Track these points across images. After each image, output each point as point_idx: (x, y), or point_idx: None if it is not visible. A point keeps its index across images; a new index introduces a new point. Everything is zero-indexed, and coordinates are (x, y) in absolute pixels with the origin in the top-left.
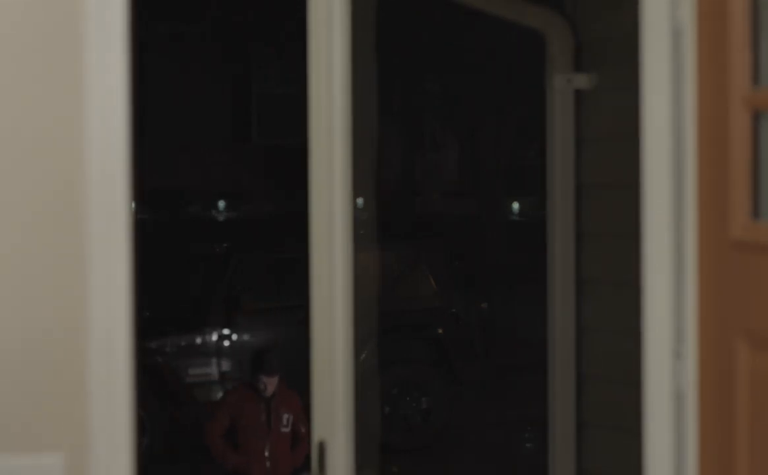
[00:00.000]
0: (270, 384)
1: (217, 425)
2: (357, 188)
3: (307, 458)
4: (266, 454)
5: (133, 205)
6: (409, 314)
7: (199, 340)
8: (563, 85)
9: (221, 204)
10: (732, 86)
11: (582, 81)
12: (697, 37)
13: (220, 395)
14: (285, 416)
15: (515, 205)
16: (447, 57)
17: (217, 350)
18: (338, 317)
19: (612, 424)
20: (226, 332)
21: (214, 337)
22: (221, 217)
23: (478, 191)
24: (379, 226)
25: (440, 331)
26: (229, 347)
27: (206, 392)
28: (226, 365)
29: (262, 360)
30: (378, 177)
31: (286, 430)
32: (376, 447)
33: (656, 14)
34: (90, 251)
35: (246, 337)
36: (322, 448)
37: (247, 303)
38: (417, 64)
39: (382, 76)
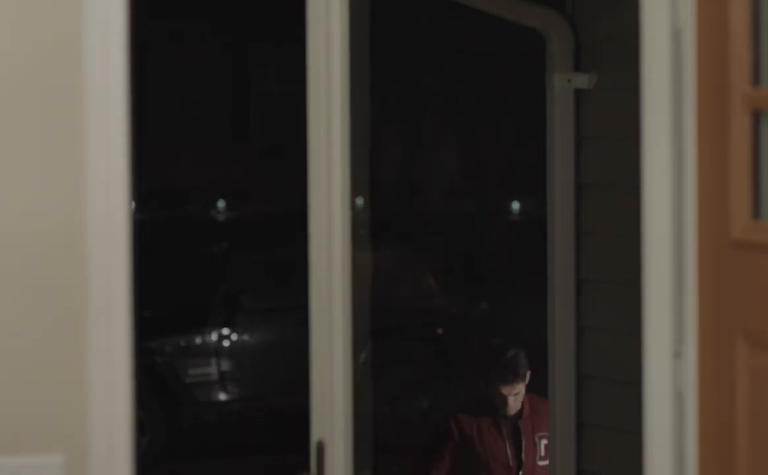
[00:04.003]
0: (513, 396)
1: (439, 468)
2: (356, 188)
3: None
4: None
5: (133, 205)
6: (408, 314)
7: (199, 340)
8: (563, 85)
9: (221, 204)
10: (732, 86)
11: (582, 81)
12: (697, 37)
13: (220, 395)
14: (543, 442)
15: (515, 205)
16: (447, 56)
17: (217, 350)
18: (337, 317)
19: (612, 424)
20: (226, 332)
21: (214, 337)
22: (221, 217)
23: (478, 191)
24: (374, 225)
25: (440, 331)
26: (229, 347)
27: (206, 392)
28: (225, 365)
29: (499, 362)
30: (373, 176)
31: (546, 462)
32: (370, 448)
33: (656, 14)
34: (90, 251)
35: (246, 337)
36: (320, 448)
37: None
38: (416, 63)
39: (382, 75)
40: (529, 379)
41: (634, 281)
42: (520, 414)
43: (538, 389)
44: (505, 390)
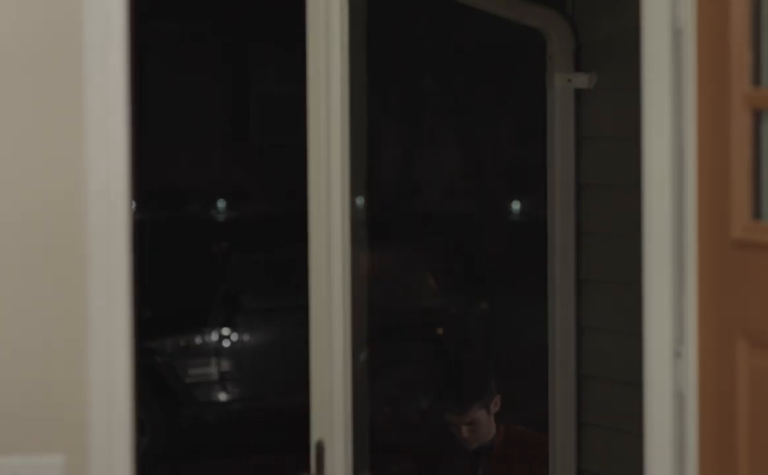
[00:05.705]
0: (467, 427)
1: None
2: (356, 188)
3: None
4: None
5: (133, 205)
6: (408, 314)
7: (199, 340)
8: (563, 85)
9: (221, 204)
10: (732, 86)
11: (582, 80)
12: (697, 37)
13: (220, 395)
14: None
15: (515, 205)
16: (447, 56)
17: (217, 350)
18: (337, 317)
19: (612, 424)
20: (226, 332)
21: (214, 337)
22: (221, 217)
23: (478, 191)
24: (372, 225)
25: (440, 331)
26: (229, 347)
27: (206, 392)
28: (226, 365)
29: (450, 383)
30: (373, 176)
31: None
32: (366, 449)
33: (656, 14)
34: (90, 251)
35: (246, 337)
36: (320, 448)
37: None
38: (416, 63)
39: (382, 75)
40: (498, 407)
41: (634, 281)
42: (489, 448)
43: (532, 420)
44: (455, 418)
